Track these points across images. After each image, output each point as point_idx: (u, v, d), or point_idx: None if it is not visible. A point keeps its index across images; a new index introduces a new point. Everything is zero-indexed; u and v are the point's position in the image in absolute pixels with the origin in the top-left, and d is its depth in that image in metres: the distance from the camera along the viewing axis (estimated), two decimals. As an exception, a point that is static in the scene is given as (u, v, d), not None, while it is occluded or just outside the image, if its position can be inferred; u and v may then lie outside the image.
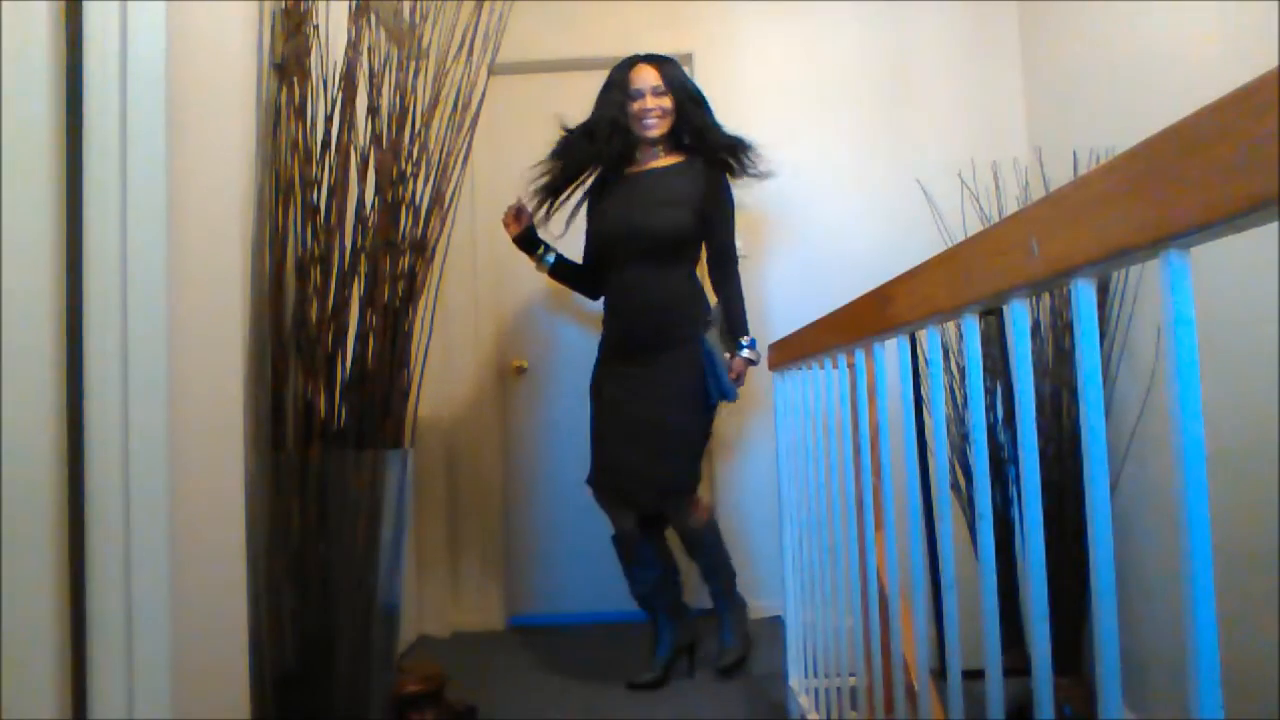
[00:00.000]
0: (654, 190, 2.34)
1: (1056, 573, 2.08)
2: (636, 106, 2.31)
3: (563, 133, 2.43)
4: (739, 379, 2.36)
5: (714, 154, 2.35)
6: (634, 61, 2.36)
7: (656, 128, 2.32)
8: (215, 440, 1.40)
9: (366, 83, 1.73)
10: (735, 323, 2.38)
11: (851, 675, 1.55)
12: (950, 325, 0.96)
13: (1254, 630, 1.64)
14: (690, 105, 2.34)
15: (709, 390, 2.29)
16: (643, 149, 2.39)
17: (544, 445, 3.08)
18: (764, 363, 2.84)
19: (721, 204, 2.37)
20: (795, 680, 1.96)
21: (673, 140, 2.40)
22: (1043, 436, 2.19)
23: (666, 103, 2.31)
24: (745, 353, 2.36)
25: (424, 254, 1.79)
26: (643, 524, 2.37)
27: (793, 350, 1.74)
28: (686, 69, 3.08)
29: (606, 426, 2.35)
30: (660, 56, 2.39)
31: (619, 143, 2.33)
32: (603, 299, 2.46)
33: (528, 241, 2.43)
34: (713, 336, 2.27)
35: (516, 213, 2.42)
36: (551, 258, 2.47)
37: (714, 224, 2.36)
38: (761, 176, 2.43)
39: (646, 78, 2.31)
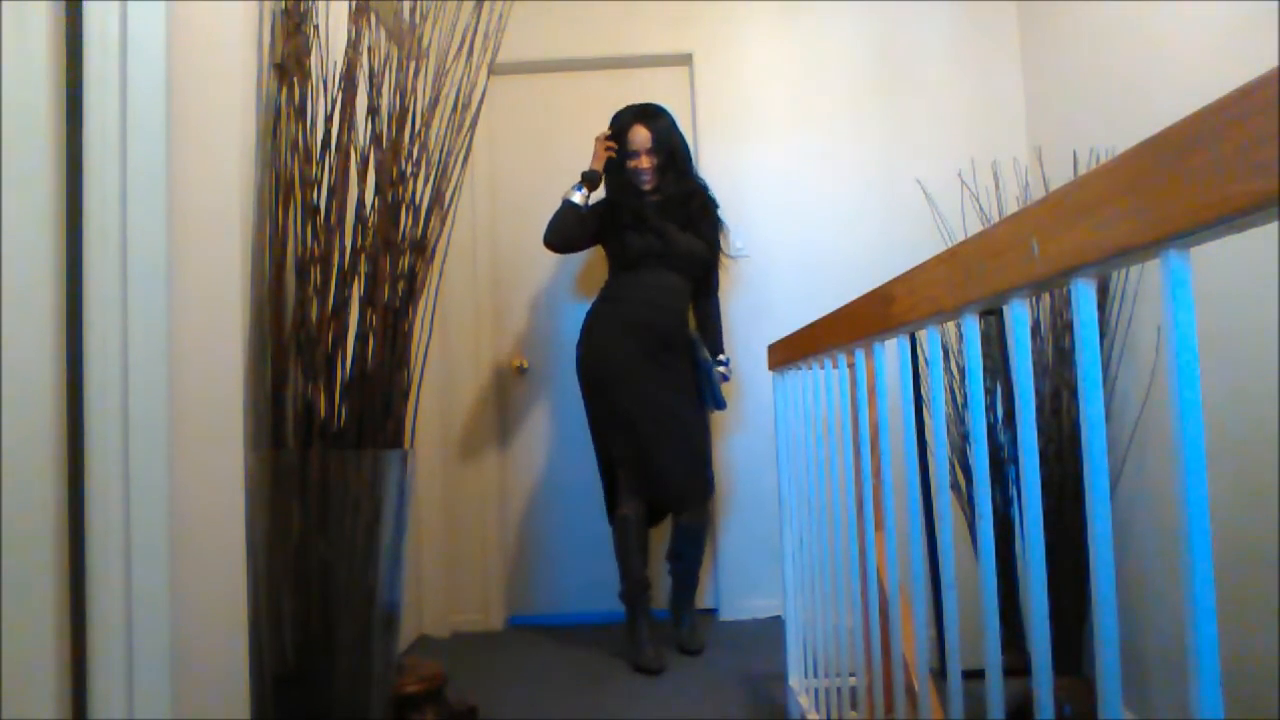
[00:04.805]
0: (674, 217, 2.60)
1: (1056, 573, 2.08)
2: (632, 164, 2.58)
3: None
4: None
5: (693, 230, 2.63)
6: (629, 121, 2.57)
7: (650, 182, 2.60)
8: (215, 440, 1.40)
9: (366, 83, 1.73)
10: (716, 342, 2.73)
11: (851, 675, 1.55)
12: (950, 325, 0.96)
13: (1254, 630, 1.64)
14: (671, 170, 2.60)
15: (704, 399, 2.60)
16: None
17: (543, 445, 3.09)
18: (763, 363, 2.85)
19: (718, 238, 2.74)
20: (795, 680, 1.96)
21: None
22: (1043, 436, 2.19)
23: (658, 159, 2.58)
24: (720, 369, 2.69)
25: (424, 254, 1.79)
26: (642, 514, 2.57)
27: (793, 350, 1.74)
28: (686, 69, 3.10)
29: (652, 431, 2.50)
30: (651, 112, 2.59)
31: (634, 203, 2.60)
32: (615, 291, 2.62)
33: (593, 178, 2.58)
34: (704, 352, 2.58)
35: (605, 149, 2.59)
36: (588, 204, 2.59)
37: (714, 255, 2.71)
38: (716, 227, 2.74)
39: (640, 138, 2.56)
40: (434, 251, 1.82)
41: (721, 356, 2.72)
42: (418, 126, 1.77)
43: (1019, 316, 0.77)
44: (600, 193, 2.65)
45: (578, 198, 2.55)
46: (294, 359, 1.62)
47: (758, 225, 3.01)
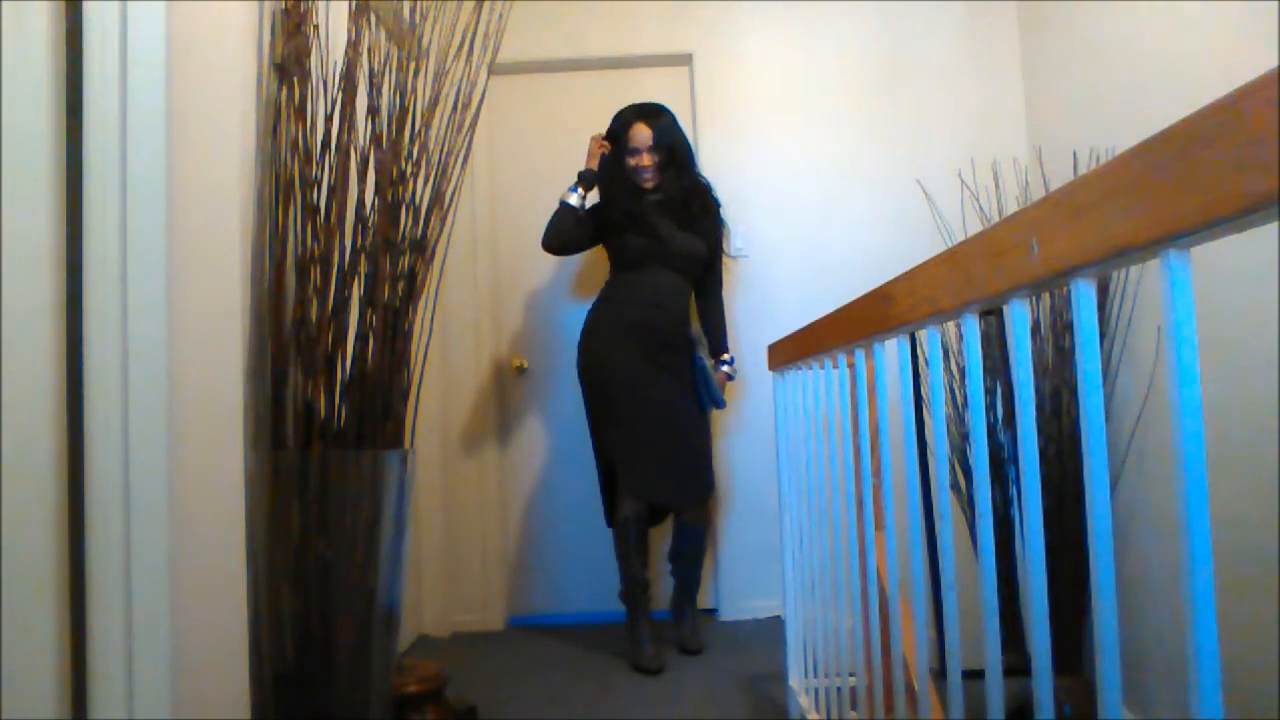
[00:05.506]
0: (675, 216, 2.60)
1: (1056, 573, 2.08)
2: (633, 162, 2.57)
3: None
4: (720, 389, 2.65)
5: (695, 225, 2.63)
6: (630, 119, 2.57)
7: (651, 181, 2.59)
8: (215, 440, 1.40)
9: (366, 83, 1.73)
10: (720, 341, 2.73)
11: (851, 675, 1.55)
12: (950, 325, 0.96)
13: (1254, 630, 1.64)
14: (672, 168, 2.59)
15: (701, 399, 2.59)
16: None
17: (543, 445, 3.09)
18: (763, 363, 2.85)
19: (720, 237, 2.73)
20: (795, 680, 1.96)
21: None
22: (1043, 436, 2.18)
23: (659, 157, 2.57)
24: (725, 368, 2.70)
25: (424, 254, 1.79)
26: (642, 515, 2.56)
27: (793, 350, 1.74)
28: (686, 69, 3.10)
29: (652, 431, 2.51)
30: (653, 110, 2.59)
31: (633, 204, 2.61)
32: (616, 291, 2.63)
33: (588, 177, 2.61)
34: (702, 351, 2.58)
35: (601, 148, 2.63)
36: (584, 204, 2.61)
37: (715, 254, 2.71)
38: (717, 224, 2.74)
39: (642, 136, 2.55)
40: (434, 251, 1.82)
41: (726, 356, 2.71)
42: (418, 126, 1.77)
43: (1019, 316, 0.77)
44: (599, 194, 2.65)
45: (574, 199, 2.56)
46: (294, 359, 1.62)
47: (757, 225, 3.01)
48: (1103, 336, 2.21)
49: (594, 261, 3.02)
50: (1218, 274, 1.75)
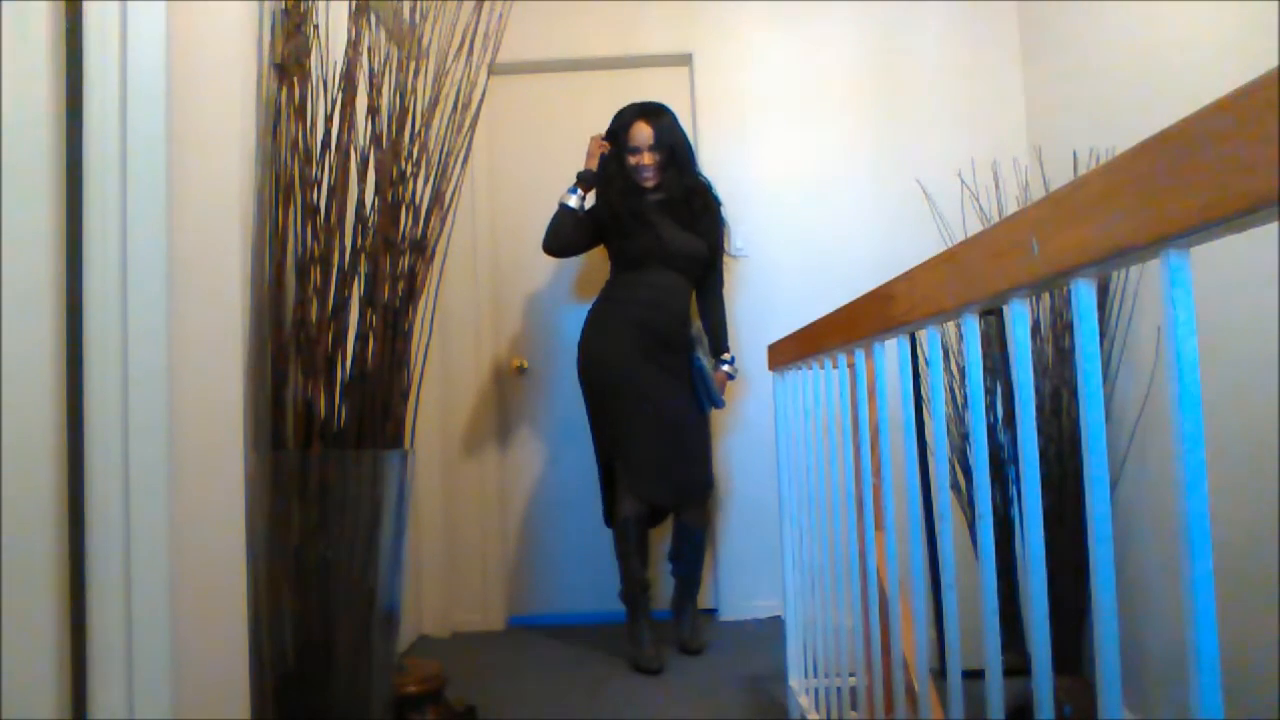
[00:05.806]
0: (675, 215, 2.59)
1: (1056, 573, 2.08)
2: (634, 161, 2.57)
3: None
4: (720, 389, 2.64)
5: (695, 223, 2.62)
6: (632, 118, 2.56)
7: (652, 180, 2.59)
8: (215, 440, 1.40)
9: (366, 83, 1.73)
10: (721, 340, 2.71)
11: (851, 675, 1.55)
12: (950, 325, 0.96)
13: (1254, 630, 1.64)
14: (673, 167, 2.58)
15: (700, 400, 2.57)
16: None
17: (543, 445, 3.09)
18: (763, 363, 2.85)
19: (720, 236, 2.71)
20: (795, 680, 1.96)
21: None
22: (1043, 436, 2.18)
23: (659, 156, 2.56)
24: (726, 368, 2.69)
25: (424, 254, 1.78)
26: (642, 515, 2.55)
27: (793, 350, 1.74)
28: (686, 69, 3.10)
29: (651, 430, 2.50)
30: (654, 109, 2.58)
31: (633, 203, 2.59)
32: (616, 291, 2.62)
33: (587, 178, 2.61)
34: (701, 351, 2.56)
35: (600, 148, 2.63)
36: (584, 205, 2.61)
37: (716, 253, 2.69)
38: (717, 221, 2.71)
39: (643, 135, 2.55)
40: (434, 251, 1.82)
41: (726, 355, 2.70)
42: (418, 126, 1.77)
43: (1019, 316, 0.77)
44: (597, 194, 2.65)
45: (573, 200, 2.57)
46: (294, 359, 1.62)
47: (758, 225, 3.01)
48: (1103, 336, 2.21)
49: (594, 262, 3.02)
50: (1218, 274, 1.75)
